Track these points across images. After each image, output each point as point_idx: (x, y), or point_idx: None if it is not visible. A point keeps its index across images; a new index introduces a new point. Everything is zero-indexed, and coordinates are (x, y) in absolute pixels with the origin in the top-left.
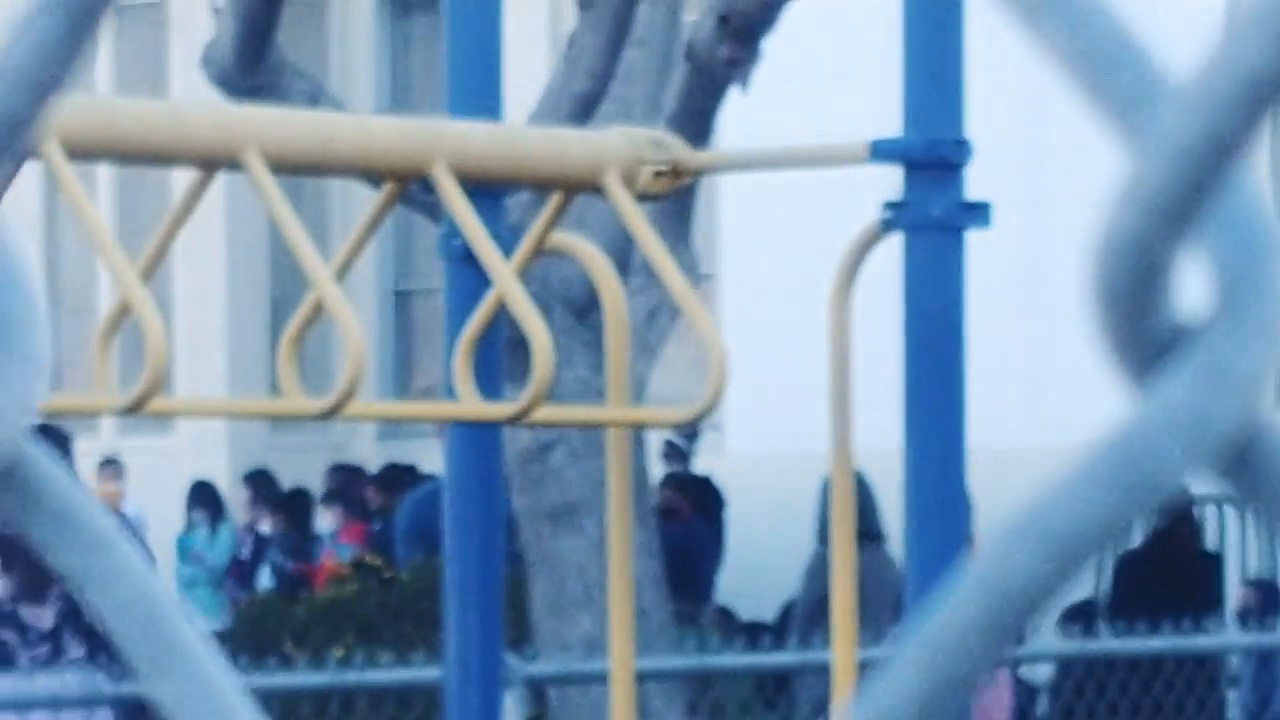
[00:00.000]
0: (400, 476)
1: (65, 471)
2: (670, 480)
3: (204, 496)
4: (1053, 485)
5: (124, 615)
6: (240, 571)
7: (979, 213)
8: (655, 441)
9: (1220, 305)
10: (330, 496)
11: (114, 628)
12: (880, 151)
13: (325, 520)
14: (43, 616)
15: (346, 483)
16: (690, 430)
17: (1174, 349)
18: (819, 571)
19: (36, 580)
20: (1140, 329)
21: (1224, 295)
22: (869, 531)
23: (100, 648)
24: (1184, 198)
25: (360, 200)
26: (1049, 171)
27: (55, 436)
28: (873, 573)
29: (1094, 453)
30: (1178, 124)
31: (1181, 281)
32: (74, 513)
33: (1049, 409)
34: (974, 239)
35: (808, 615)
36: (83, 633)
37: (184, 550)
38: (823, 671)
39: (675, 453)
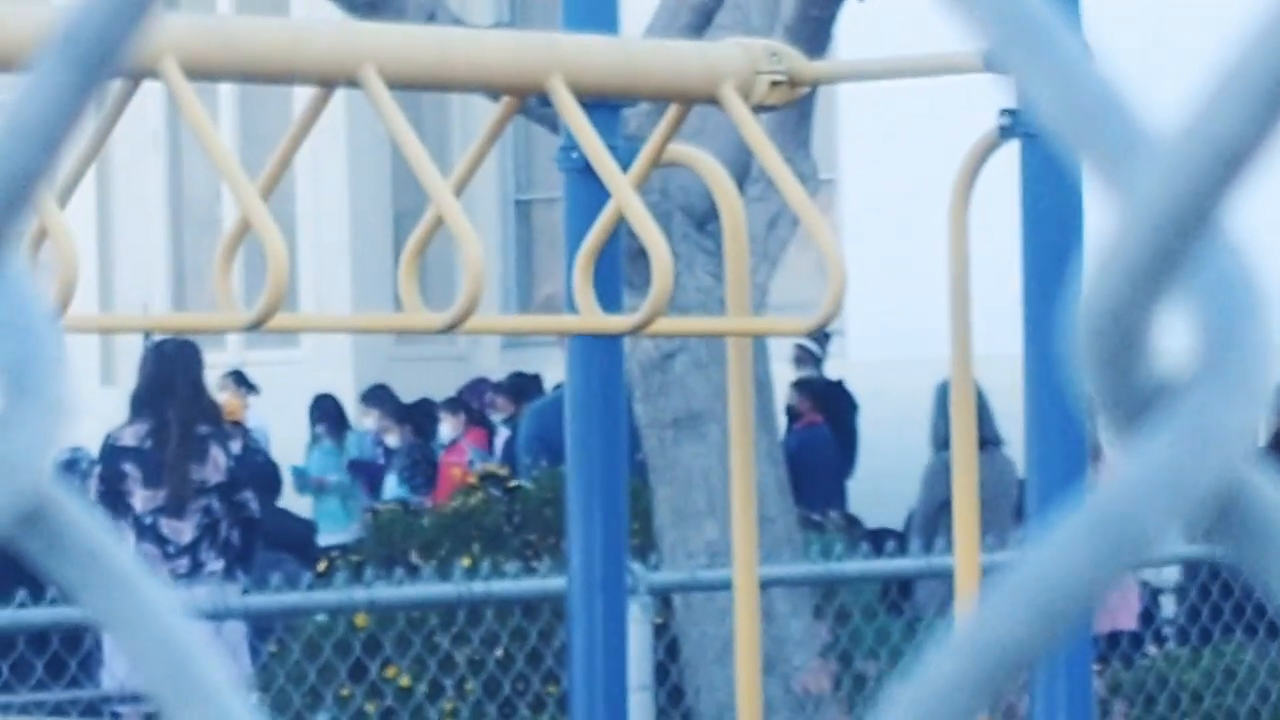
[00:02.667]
0: (526, 385)
1: (90, 513)
2: (797, 386)
3: (326, 410)
4: (1039, 546)
5: (150, 655)
6: (371, 479)
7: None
8: (785, 345)
9: (1203, 364)
10: (452, 404)
11: (140, 667)
12: (994, 59)
13: (447, 427)
14: (182, 531)
15: (469, 393)
16: (822, 333)
17: (1156, 407)
18: (936, 478)
19: (178, 495)
20: (1123, 388)
21: (1206, 354)
22: (986, 437)
23: (235, 561)
24: (1160, 264)
25: (481, 112)
26: (1167, 74)
27: (186, 349)
28: (991, 478)
29: (1078, 513)
30: (1154, 191)
31: (1165, 340)
32: (100, 554)
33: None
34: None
35: (927, 521)
36: (219, 547)
37: (301, 480)
38: (946, 576)
39: (807, 356)
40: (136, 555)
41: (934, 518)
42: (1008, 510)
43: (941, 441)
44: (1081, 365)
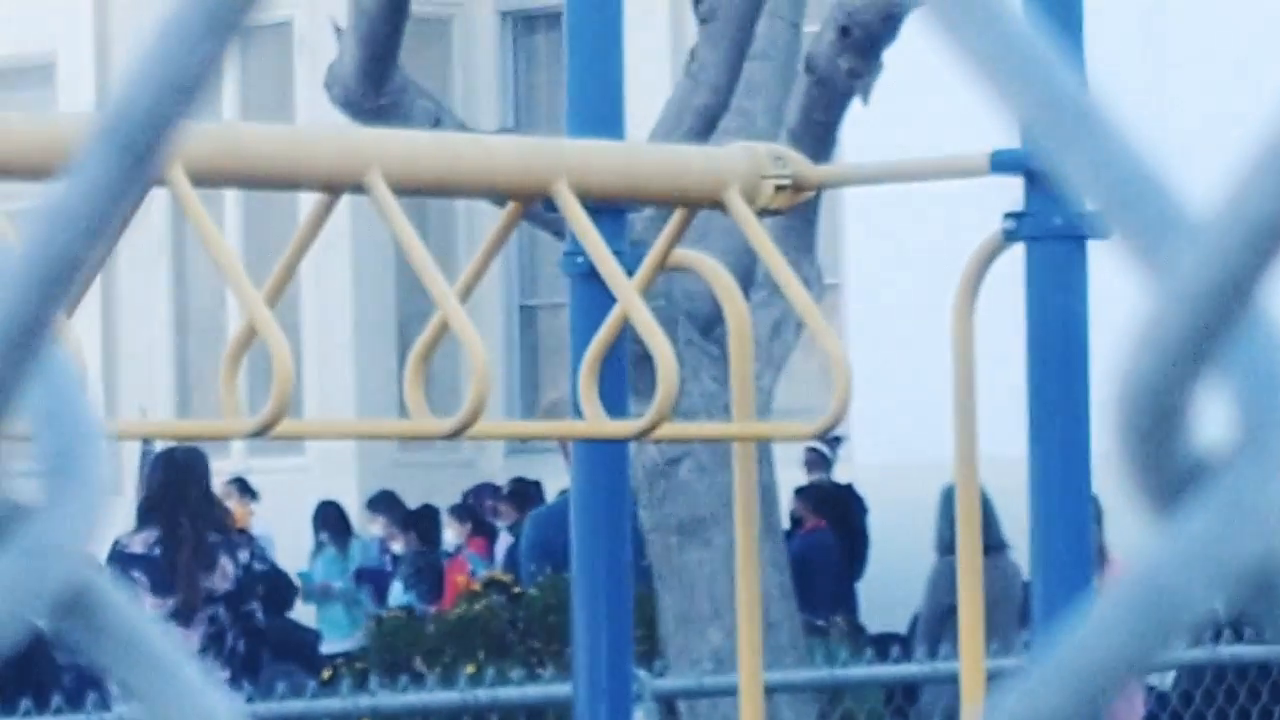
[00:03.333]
0: (527, 491)
1: (129, 597)
2: (800, 492)
3: (330, 517)
4: (1081, 622)
5: None
6: (377, 585)
7: (1101, 222)
8: (793, 450)
9: (1241, 440)
10: (458, 510)
11: None
12: (1001, 163)
13: (451, 534)
14: (190, 639)
15: (473, 498)
16: (833, 437)
17: (1195, 484)
18: (940, 582)
19: (188, 603)
20: (1162, 465)
21: (1244, 430)
22: (990, 541)
23: (241, 671)
24: (1199, 341)
25: (486, 217)
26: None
27: (195, 456)
28: (997, 582)
29: (1118, 589)
30: (1192, 269)
31: (1203, 417)
32: (139, 637)
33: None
34: (1096, 248)
35: (931, 626)
36: (224, 656)
37: (307, 587)
38: (951, 681)
39: (819, 460)
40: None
41: (939, 623)
42: (1013, 615)
43: (946, 546)
44: (1119, 442)
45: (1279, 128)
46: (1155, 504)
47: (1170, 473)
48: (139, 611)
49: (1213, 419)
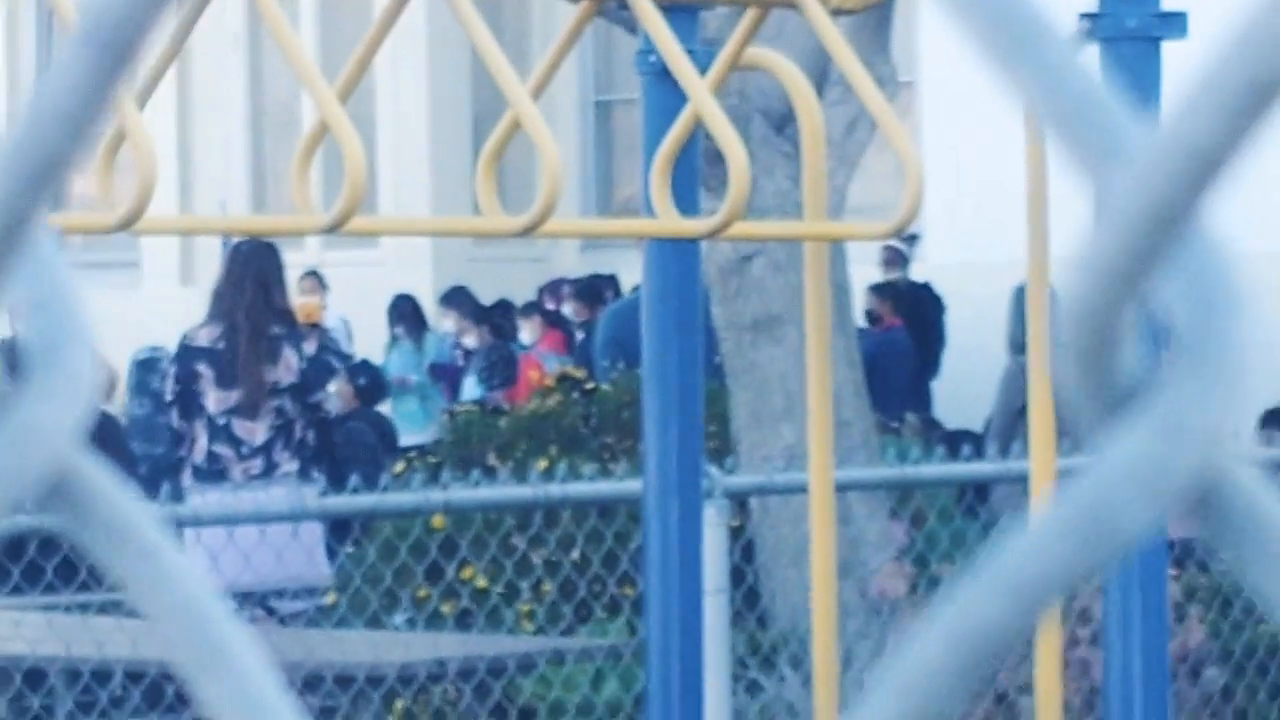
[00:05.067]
0: (602, 286)
1: (115, 482)
2: (876, 290)
3: (405, 311)
4: (1018, 536)
5: (172, 620)
6: (450, 380)
7: (1175, 22)
8: (868, 248)
9: (1179, 359)
10: (529, 308)
11: (163, 632)
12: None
13: (525, 332)
14: (255, 431)
15: (548, 293)
16: (910, 235)
17: (1133, 402)
18: (1013, 383)
19: (251, 396)
20: (1101, 384)
21: (1184, 348)
22: None
23: (310, 462)
24: (1134, 265)
25: (560, 15)
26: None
27: (262, 249)
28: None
29: (1056, 504)
30: (1128, 194)
31: (1139, 337)
32: (124, 522)
33: (1251, 209)
34: (1170, 49)
35: (1004, 426)
36: (293, 447)
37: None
38: (1022, 480)
39: (896, 258)
40: (209, 456)
41: (1012, 422)
42: None
43: (1018, 346)
44: (1061, 359)
45: (1218, 55)
46: (1095, 422)
47: (1109, 391)
48: (125, 497)
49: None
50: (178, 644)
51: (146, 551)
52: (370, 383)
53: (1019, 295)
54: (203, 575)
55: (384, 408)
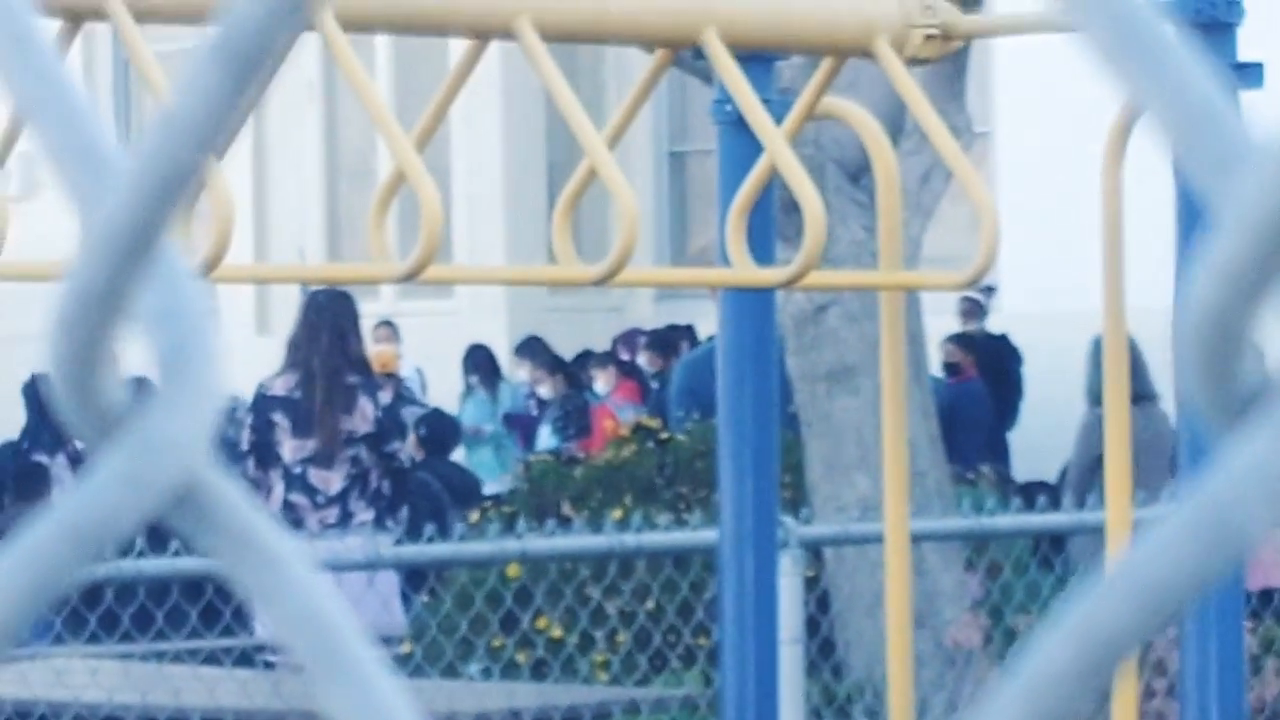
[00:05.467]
0: (677, 337)
1: (243, 493)
2: (955, 340)
3: (480, 361)
4: (1146, 540)
5: (299, 630)
6: (525, 430)
7: (1252, 73)
8: (947, 299)
9: None
10: (604, 358)
11: (290, 642)
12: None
13: (600, 382)
14: (331, 480)
15: (623, 344)
16: (986, 286)
17: (1257, 406)
18: (1091, 433)
19: (327, 445)
20: (1225, 388)
21: None
22: (1141, 391)
23: (385, 511)
24: (1259, 270)
25: (635, 63)
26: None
27: (338, 299)
28: (1145, 432)
29: (1182, 508)
30: (1254, 197)
31: (1269, 343)
32: (251, 533)
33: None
34: (1246, 99)
35: (1081, 476)
36: (369, 497)
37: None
38: (1098, 531)
39: (974, 309)
40: (285, 505)
41: (1088, 473)
42: (1162, 465)
43: (1096, 396)
44: (1183, 366)
45: None
46: (1219, 426)
47: (1233, 396)
48: (252, 507)
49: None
50: (304, 652)
51: (273, 561)
52: (430, 433)
53: (1097, 346)
54: (328, 586)
55: (459, 457)
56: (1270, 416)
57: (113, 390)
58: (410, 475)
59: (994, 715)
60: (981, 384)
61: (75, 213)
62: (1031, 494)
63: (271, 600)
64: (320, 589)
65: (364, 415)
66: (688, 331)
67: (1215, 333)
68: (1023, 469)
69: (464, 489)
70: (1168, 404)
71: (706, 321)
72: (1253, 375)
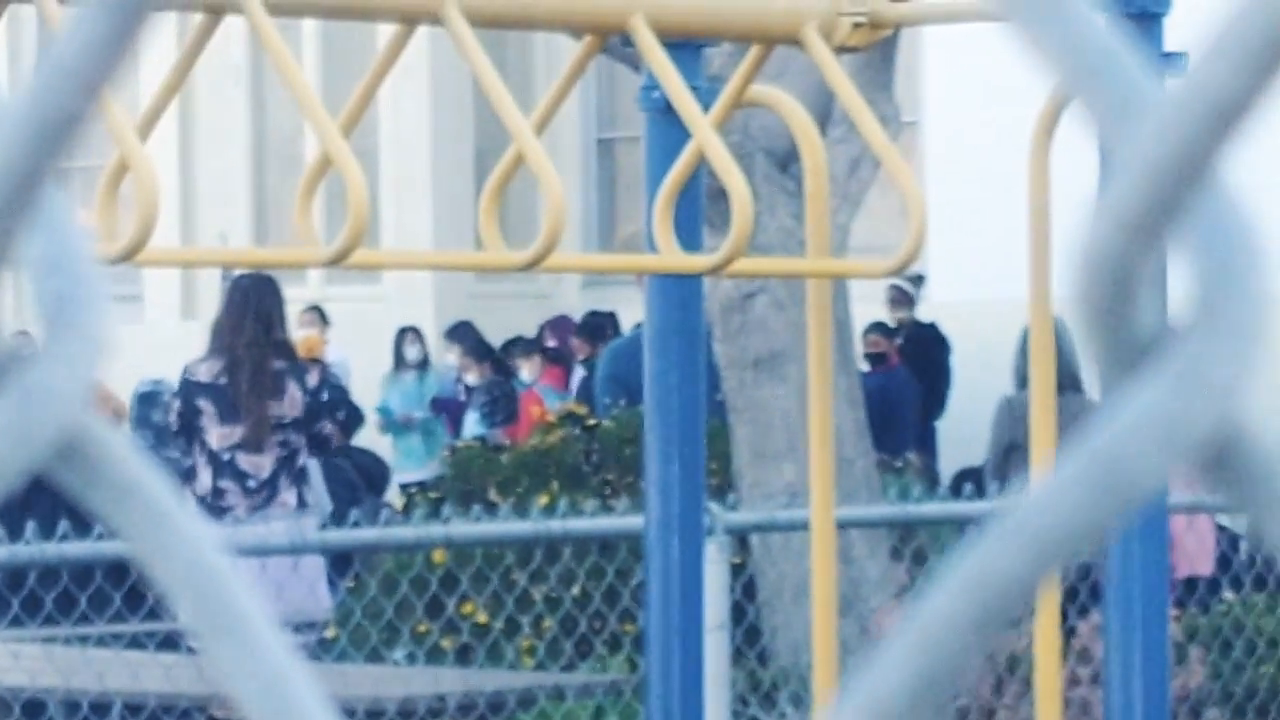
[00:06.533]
0: (602, 324)
1: (127, 445)
2: (876, 328)
3: (410, 342)
4: (1038, 488)
5: (185, 584)
6: (453, 415)
7: (1177, 62)
8: (873, 287)
9: (1198, 312)
10: (529, 345)
11: (175, 597)
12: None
13: (525, 370)
14: (262, 465)
15: (549, 330)
16: (916, 275)
17: (1152, 355)
18: (1004, 418)
19: (256, 431)
20: (1119, 337)
21: (1202, 302)
22: (1064, 381)
23: (309, 495)
24: (1154, 215)
25: (563, 51)
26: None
27: (262, 284)
28: (1070, 420)
29: (1075, 457)
30: (1149, 144)
31: (1163, 290)
32: (135, 486)
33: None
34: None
35: (996, 461)
36: (294, 476)
37: (386, 419)
38: None
39: (903, 298)
40: (214, 491)
41: (1002, 460)
42: None
43: (1023, 380)
44: (1079, 313)
45: (1238, 6)
46: (1112, 375)
47: (1127, 344)
48: (136, 460)
49: (1172, 293)
50: (191, 608)
51: (158, 514)
52: (347, 418)
53: (1026, 334)
54: (215, 539)
55: (385, 442)
56: (1164, 365)
57: None
58: (337, 451)
59: (888, 665)
60: (907, 372)
61: None
62: (961, 482)
63: (157, 555)
64: (207, 543)
65: (292, 400)
66: (610, 318)
67: (1109, 279)
68: (953, 458)
69: (377, 475)
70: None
71: (630, 309)
72: (1148, 323)
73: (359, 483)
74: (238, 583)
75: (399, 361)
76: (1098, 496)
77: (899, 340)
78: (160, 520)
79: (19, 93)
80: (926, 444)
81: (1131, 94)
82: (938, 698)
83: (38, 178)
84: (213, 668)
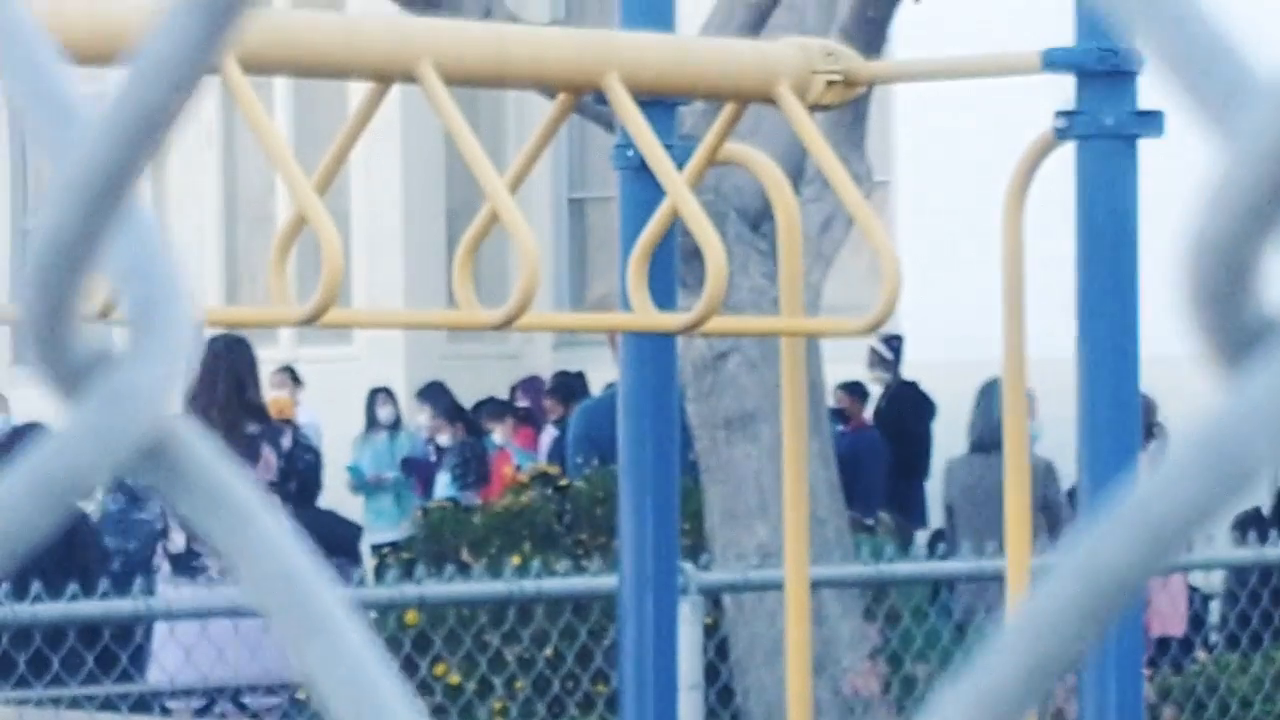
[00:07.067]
0: (572, 384)
1: (213, 447)
2: (845, 386)
3: (383, 403)
4: (1149, 476)
5: (270, 587)
6: (423, 476)
7: (1152, 121)
8: (843, 346)
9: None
10: (500, 407)
11: (260, 599)
12: (1053, 61)
13: (497, 432)
14: None
15: (520, 391)
16: (893, 336)
17: (1262, 343)
18: (953, 478)
19: None
20: (1230, 324)
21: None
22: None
23: None
24: (1271, 199)
25: (536, 109)
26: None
27: (235, 345)
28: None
29: (1186, 444)
30: (1265, 126)
31: (1273, 277)
32: (221, 488)
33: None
34: (1147, 147)
35: (947, 523)
36: None
37: (358, 479)
38: (996, 579)
39: (880, 360)
40: (189, 552)
41: (948, 522)
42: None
43: (974, 443)
44: (1188, 302)
45: None
46: (1223, 363)
47: (1238, 332)
48: (222, 461)
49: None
50: (275, 608)
51: (243, 516)
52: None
53: (984, 391)
54: (299, 541)
55: (356, 505)
56: (1273, 355)
57: (83, 342)
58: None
59: (998, 655)
60: (876, 432)
61: (46, 162)
62: (931, 541)
63: (242, 556)
64: (291, 544)
65: (268, 464)
66: (579, 379)
67: (1219, 266)
68: (933, 517)
69: (343, 538)
70: (1048, 450)
71: (600, 369)
72: (1258, 311)
73: (318, 548)
74: (323, 584)
75: (371, 422)
76: (1210, 484)
77: (881, 402)
78: (246, 523)
79: (110, 91)
80: (906, 504)
81: (1239, 79)
82: (1047, 686)
83: (126, 177)
84: (298, 662)
